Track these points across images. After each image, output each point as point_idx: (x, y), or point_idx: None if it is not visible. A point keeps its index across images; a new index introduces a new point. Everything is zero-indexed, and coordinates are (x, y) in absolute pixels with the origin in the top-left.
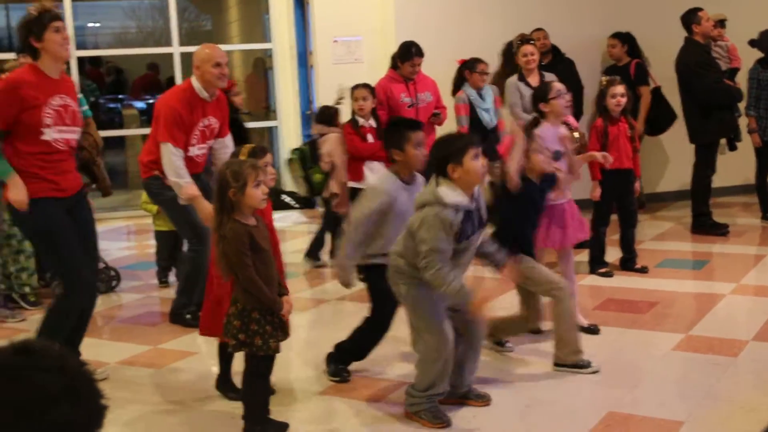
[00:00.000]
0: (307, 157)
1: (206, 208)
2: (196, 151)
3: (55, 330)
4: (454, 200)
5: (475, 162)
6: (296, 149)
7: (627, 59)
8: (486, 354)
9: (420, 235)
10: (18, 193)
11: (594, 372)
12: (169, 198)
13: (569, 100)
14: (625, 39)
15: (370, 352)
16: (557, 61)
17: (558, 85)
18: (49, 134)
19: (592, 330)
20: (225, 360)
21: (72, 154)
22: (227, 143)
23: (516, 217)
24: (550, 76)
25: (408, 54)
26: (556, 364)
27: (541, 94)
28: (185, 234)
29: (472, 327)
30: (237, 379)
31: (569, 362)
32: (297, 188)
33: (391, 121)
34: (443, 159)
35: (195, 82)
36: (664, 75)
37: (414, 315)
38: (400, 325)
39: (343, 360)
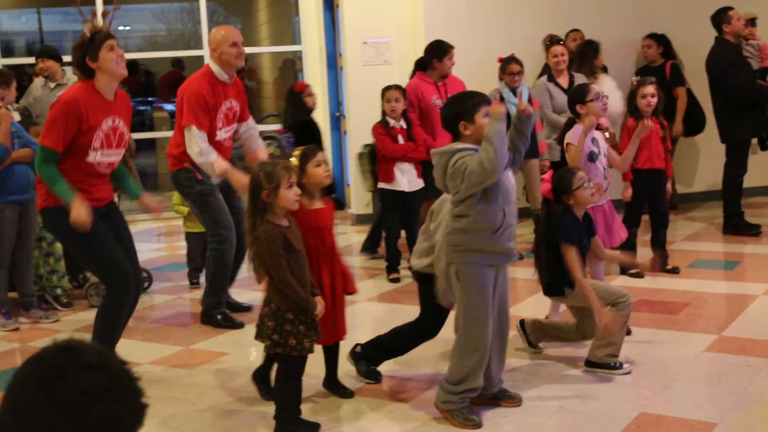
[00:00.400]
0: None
1: (240, 180)
2: (223, 134)
3: (107, 332)
4: (466, 146)
5: (486, 119)
6: (368, 144)
7: (661, 60)
8: (517, 355)
9: (459, 183)
10: (79, 213)
11: (626, 373)
12: (196, 191)
13: (605, 103)
14: (661, 40)
15: (406, 353)
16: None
17: (596, 88)
18: (94, 157)
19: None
20: (269, 358)
21: (109, 172)
22: (251, 124)
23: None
24: (580, 78)
25: (444, 50)
26: (589, 362)
27: (578, 96)
28: (209, 228)
29: (498, 326)
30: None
31: (604, 362)
32: (363, 182)
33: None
34: (455, 117)
35: (213, 65)
36: (696, 76)
37: (462, 299)
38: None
39: (374, 359)
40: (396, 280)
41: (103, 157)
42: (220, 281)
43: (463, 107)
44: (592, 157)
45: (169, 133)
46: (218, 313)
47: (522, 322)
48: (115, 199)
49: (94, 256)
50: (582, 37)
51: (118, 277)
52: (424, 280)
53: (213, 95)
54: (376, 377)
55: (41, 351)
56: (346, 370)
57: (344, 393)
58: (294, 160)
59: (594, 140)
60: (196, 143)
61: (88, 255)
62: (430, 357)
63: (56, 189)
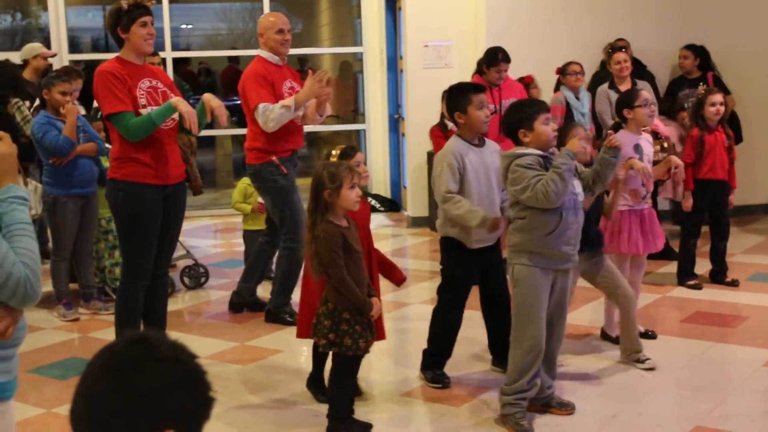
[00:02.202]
0: None
1: (308, 87)
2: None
3: (125, 315)
4: (526, 150)
5: (545, 127)
6: None
7: (697, 73)
8: (570, 361)
9: (519, 191)
10: (214, 102)
11: (649, 368)
12: (281, 186)
13: (653, 110)
14: (698, 52)
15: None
16: (640, 74)
17: (645, 94)
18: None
19: (650, 335)
20: (319, 361)
21: (172, 139)
22: None
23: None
24: (643, 85)
25: (494, 60)
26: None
27: (626, 101)
28: (285, 225)
29: (549, 332)
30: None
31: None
32: None
33: (453, 85)
34: (515, 124)
35: (262, 51)
36: (731, 87)
37: (515, 299)
38: (481, 329)
39: (434, 363)
40: None
41: None
42: (291, 280)
43: (522, 115)
44: None
45: (229, 131)
46: (286, 312)
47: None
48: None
49: (129, 241)
50: (627, 46)
51: (137, 267)
52: (445, 245)
53: (270, 73)
54: (443, 381)
55: (114, 342)
56: (402, 374)
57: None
58: (332, 159)
59: (637, 146)
60: (268, 117)
61: (125, 236)
62: (480, 361)
63: (153, 116)
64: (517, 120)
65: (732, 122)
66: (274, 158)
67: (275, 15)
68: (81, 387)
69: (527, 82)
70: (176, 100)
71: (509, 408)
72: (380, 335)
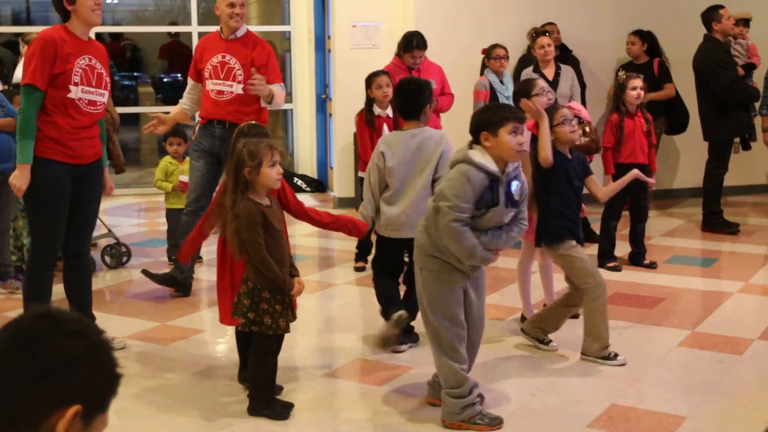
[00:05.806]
0: None
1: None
2: (211, 85)
3: (31, 298)
4: (482, 162)
5: (509, 137)
6: None
7: (645, 58)
8: (491, 344)
9: (444, 191)
10: (22, 181)
11: (621, 364)
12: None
13: (550, 98)
14: (646, 37)
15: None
16: (564, 59)
17: (541, 83)
18: (75, 92)
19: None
20: (244, 350)
21: (96, 123)
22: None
23: (551, 194)
24: (566, 69)
25: (408, 46)
26: (584, 354)
27: (523, 90)
28: (189, 194)
29: (470, 328)
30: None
31: (599, 356)
32: None
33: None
34: (480, 125)
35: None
36: (681, 73)
37: (426, 308)
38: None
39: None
40: (361, 269)
41: (83, 93)
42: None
43: (490, 119)
44: None
45: (153, 108)
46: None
47: (522, 329)
48: (106, 163)
49: (36, 218)
50: (557, 31)
51: (42, 245)
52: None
53: (206, 44)
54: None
55: (19, 317)
56: (326, 352)
57: None
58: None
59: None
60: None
61: (33, 213)
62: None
63: (21, 141)
64: (483, 121)
65: (680, 111)
66: (194, 122)
67: None
68: None
69: None
70: (23, 171)
71: (468, 412)
72: None
